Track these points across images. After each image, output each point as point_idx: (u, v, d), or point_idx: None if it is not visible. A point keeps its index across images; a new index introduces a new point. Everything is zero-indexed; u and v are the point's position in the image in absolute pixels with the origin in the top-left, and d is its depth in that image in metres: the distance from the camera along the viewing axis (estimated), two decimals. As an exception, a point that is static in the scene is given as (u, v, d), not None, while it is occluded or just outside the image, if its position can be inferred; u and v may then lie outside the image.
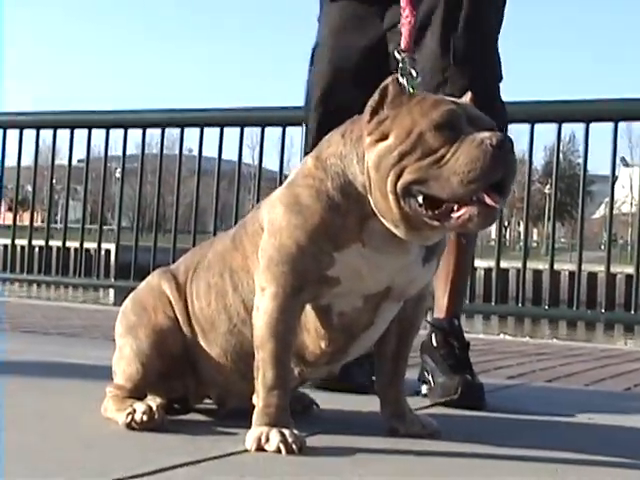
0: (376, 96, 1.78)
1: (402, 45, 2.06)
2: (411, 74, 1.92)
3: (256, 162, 5.93)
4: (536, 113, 4.89)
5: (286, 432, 1.77)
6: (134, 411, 1.94)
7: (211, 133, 5.78)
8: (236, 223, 5.89)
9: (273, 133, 5.78)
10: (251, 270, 1.93)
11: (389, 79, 1.80)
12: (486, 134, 1.67)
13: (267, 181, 5.72)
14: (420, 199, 1.69)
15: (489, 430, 2.24)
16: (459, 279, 2.66)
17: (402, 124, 1.73)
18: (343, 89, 2.69)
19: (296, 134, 5.18)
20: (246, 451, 1.82)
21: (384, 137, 1.74)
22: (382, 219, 1.78)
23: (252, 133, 5.96)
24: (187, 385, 2.11)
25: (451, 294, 2.62)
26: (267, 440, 1.76)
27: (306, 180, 1.87)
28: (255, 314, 1.87)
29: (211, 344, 2.01)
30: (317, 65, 2.82)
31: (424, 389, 2.52)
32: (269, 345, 1.83)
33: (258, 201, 5.42)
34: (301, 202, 1.85)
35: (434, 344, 2.56)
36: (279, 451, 1.74)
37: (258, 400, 1.84)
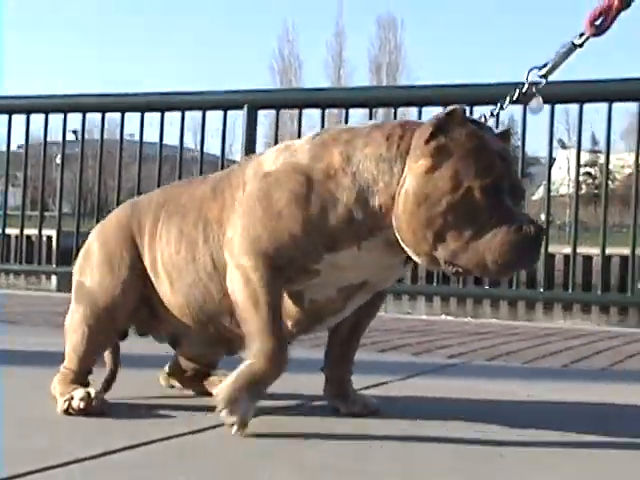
0: (440, 119, 1.73)
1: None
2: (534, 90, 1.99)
3: (198, 146, 5.97)
4: (473, 94, 5.00)
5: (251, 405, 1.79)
6: (72, 398, 1.96)
7: (153, 118, 5.70)
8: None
9: (215, 116, 5.76)
10: (224, 224, 1.92)
11: (456, 106, 1.76)
12: (525, 219, 1.70)
13: (209, 164, 5.65)
14: (444, 256, 1.72)
15: (428, 410, 2.24)
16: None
17: (456, 168, 1.70)
18: None
19: (238, 117, 5.44)
20: (185, 434, 1.86)
21: (435, 168, 1.71)
22: (402, 242, 1.77)
23: (195, 117, 5.99)
24: (142, 320, 2.12)
25: None
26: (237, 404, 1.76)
27: (325, 172, 1.82)
28: (229, 283, 1.86)
29: (176, 292, 2.02)
30: None
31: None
32: (261, 313, 1.80)
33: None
34: (311, 196, 1.80)
35: None
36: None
37: (256, 368, 1.79)
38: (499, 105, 2.04)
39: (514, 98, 2.01)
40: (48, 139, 6.09)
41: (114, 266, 2.10)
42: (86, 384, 2.10)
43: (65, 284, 6.43)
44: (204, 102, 5.75)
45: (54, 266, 6.44)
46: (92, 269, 2.13)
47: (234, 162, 5.62)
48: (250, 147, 5.16)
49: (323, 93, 6.00)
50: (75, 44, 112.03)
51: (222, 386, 1.82)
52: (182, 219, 2.01)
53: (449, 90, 5.10)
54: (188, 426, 1.95)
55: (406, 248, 1.78)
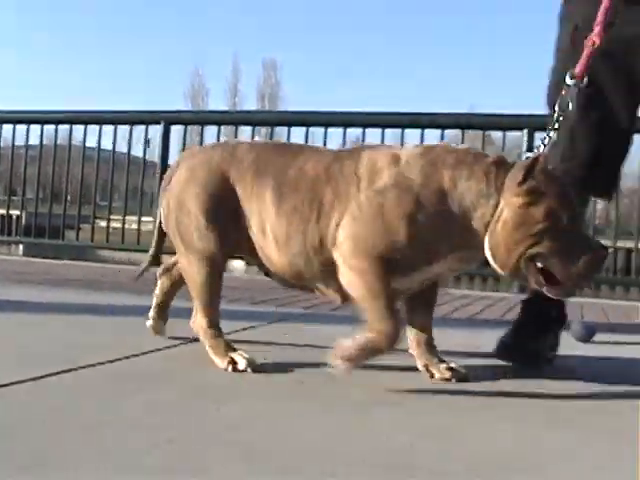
0: (528, 166, 1.95)
1: (576, 69, 2.23)
2: (568, 105, 2.19)
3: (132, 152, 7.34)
4: (327, 119, 6.27)
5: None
6: (235, 362, 2.20)
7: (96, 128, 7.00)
8: (111, 196, 7.28)
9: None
10: (334, 214, 2.04)
11: (539, 154, 2.01)
12: (597, 243, 2.05)
13: (135, 165, 7.25)
14: (538, 266, 1.96)
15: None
16: None
17: (549, 204, 1.94)
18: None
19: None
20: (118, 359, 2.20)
21: (529, 204, 1.94)
22: (491, 259, 2.00)
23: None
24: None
25: None
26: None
27: (437, 194, 1.98)
28: (347, 284, 2.04)
29: (281, 253, 2.14)
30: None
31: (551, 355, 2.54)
32: (380, 302, 1.98)
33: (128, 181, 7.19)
34: (423, 216, 1.97)
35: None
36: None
37: (376, 341, 1.97)
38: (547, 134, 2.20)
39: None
40: (16, 143, 7.31)
41: (214, 213, 2.19)
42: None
43: (28, 251, 7.71)
44: (131, 118, 7.08)
45: (20, 237, 8.07)
46: (191, 217, 2.20)
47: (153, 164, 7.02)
48: (164, 153, 6.58)
49: (221, 115, 7.73)
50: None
51: (343, 343, 1.96)
52: (295, 195, 2.10)
53: (310, 115, 6.38)
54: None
55: (492, 261, 2.00)
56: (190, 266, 2.24)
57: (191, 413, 1.74)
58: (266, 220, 2.15)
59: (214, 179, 2.21)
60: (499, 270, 2.02)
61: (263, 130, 7.16)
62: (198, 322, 2.27)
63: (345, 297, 2.13)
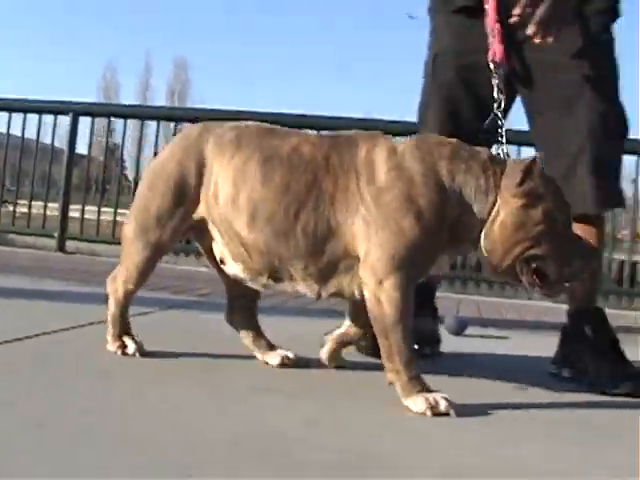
0: (527, 167, 1.93)
1: (496, 56, 2.30)
2: (501, 89, 2.25)
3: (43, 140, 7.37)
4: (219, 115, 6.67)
5: (443, 396, 1.86)
6: (125, 346, 2.20)
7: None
8: (19, 181, 7.31)
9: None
10: (336, 204, 1.95)
11: (537, 156, 1.99)
12: (587, 245, 2.04)
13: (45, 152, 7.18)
14: (532, 267, 1.94)
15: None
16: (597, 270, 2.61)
17: (547, 206, 1.93)
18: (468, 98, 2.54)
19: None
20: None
21: (528, 205, 1.93)
22: (485, 257, 1.97)
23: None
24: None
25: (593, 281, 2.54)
26: (437, 404, 1.84)
27: (438, 187, 1.94)
28: (374, 301, 1.90)
29: (255, 229, 2.01)
30: (440, 75, 2.60)
31: (565, 372, 2.45)
32: (400, 328, 1.88)
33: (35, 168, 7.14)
34: (421, 205, 1.91)
35: (587, 333, 2.43)
36: (447, 414, 1.83)
37: (400, 377, 1.89)
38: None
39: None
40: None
41: (180, 194, 2.10)
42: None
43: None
44: (41, 107, 7.10)
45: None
46: (156, 194, 2.13)
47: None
48: (72, 142, 6.71)
49: (130, 108, 7.75)
50: None
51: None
52: (288, 172, 1.99)
53: (218, 113, 6.29)
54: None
55: (487, 261, 1.98)
56: (135, 238, 2.14)
57: (65, 396, 1.72)
58: (242, 191, 2.03)
59: (190, 155, 2.12)
60: (491, 269, 2.00)
61: (172, 125, 7.25)
62: (114, 284, 2.20)
63: (320, 294, 2.05)
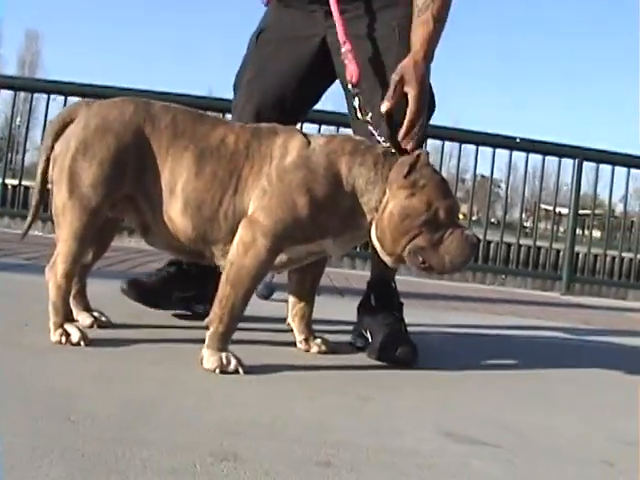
0: (413, 161, 2.05)
1: (352, 78, 2.34)
2: (365, 110, 2.29)
3: None
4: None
5: (236, 357, 2.00)
6: (68, 335, 2.09)
7: None
8: None
9: None
10: (248, 187, 2.08)
11: (422, 151, 2.11)
12: (468, 232, 2.10)
13: None
14: (420, 258, 2.06)
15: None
16: None
17: (429, 196, 2.05)
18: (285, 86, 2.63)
19: None
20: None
21: (413, 195, 2.04)
22: (378, 246, 2.11)
23: None
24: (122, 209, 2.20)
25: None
26: (228, 363, 1.97)
27: (335, 178, 2.08)
28: (241, 251, 2.01)
29: (186, 214, 2.11)
30: (260, 49, 2.72)
31: (359, 342, 2.53)
32: (247, 285, 2.01)
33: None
34: (324, 196, 2.05)
35: (373, 304, 2.58)
36: (237, 372, 1.96)
37: (218, 326, 2.00)
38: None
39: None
40: None
41: (119, 165, 2.11)
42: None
43: None
44: None
45: None
46: (93, 163, 2.09)
47: None
48: None
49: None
50: None
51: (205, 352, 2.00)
52: (217, 163, 2.10)
53: (57, 84, 6.58)
54: None
55: (380, 249, 2.11)
56: (71, 210, 2.07)
57: None
58: (179, 181, 2.09)
59: (128, 131, 2.11)
60: (385, 257, 2.12)
61: (22, 95, 7.07)
62: (53, 269, 2.11)
63: None
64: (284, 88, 2.57)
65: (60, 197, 2.08)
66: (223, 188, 2.09)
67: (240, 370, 1.96)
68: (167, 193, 2.11)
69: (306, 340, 2.39)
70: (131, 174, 2.11)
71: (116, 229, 2.43)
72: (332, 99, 3.05)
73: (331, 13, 2.49)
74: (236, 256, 2.01)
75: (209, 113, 2.36)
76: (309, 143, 2.13)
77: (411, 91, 2.23)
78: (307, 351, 2.37)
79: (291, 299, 2.41)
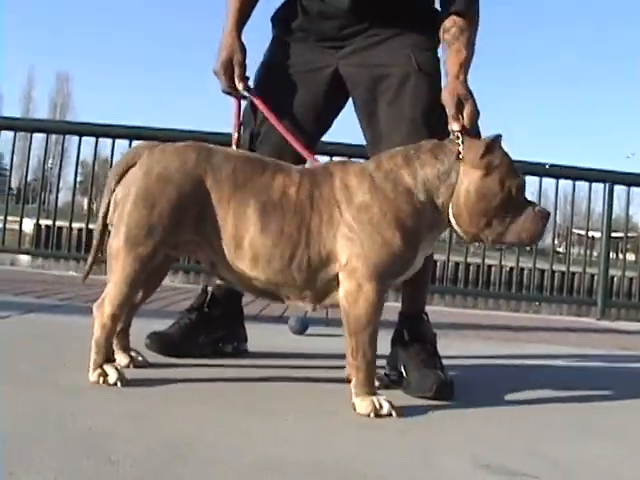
0: (489, 143, 2.12)
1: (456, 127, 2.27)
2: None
3: None
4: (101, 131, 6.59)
5: (387, 400, 2.06)
6: (106, 375, 2.10)
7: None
8: None
9: None
10: (324, 237, 2.10)
11: (499, 134, 2.17)
12: (541, 209, 2.18)
13: None
14: (496, 235, 2.14)
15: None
16: (426, 276, 2.64)
17: (502, 175, 2.12)
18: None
19: None
20: None
21: (488, 175, 2.10)
22: (455, 225, 2.16)
23: None
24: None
25: (420, 289, 2.65)
26: (380, 407, 2.03)
27: (409, 195, 2.13)
28: (351, 301, 2.06)
29: (258, 270, 2.14)
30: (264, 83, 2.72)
31: (392, 375, 2.50)
32: (369, 330, 2.06)
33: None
34: (408, 219, 2.10)
35: (406, 338, 2.55)
36: (390, 415, 2.02)
37: (358, 374, 2.06)
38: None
39: None
40: None
41: (179, 214, 2.12)
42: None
43: None
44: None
45: None
46: (153, 212, 2.11)
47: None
48: None
49: (13, 121, 7.36)
50: None
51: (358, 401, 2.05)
52: (282, 217, 2.11)
53: (89, 126, 6.67)
54: None
55: (459, 230, 2.16)
56: (125, 256, 2.09)
57: None
58: (245, 236, 2.11)
59: (189, 181, 2.12)
60: (463, 235, 2.18)
61: (54, 137, 7.21)
62: (101, 308, 2.12)
63: (315, 305, 2.21)
64: (303, 120, 2.61)
65: (117, 241, 2.11)
66: (293, 243, 2.11)
67: (393, 413, 2.02)
68: (232, 246, 2.13)
69: None
70: (191, 222, 2.13)
71: (166, 271, 2.45)
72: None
73: (341, 45, 2.60)
74: (348, 308, 2.06)
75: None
76: (363, 171, 2.15)
77: (468, 107, 2.31)
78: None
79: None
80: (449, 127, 2.25)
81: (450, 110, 2.28)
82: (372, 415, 1.99)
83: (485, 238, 2.16)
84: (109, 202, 2.17)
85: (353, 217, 2.08)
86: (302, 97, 2.64)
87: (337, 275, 2.10)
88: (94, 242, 2.24)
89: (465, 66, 2.43)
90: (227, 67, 2.58)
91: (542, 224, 2.17)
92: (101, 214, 2.19)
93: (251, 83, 2.67)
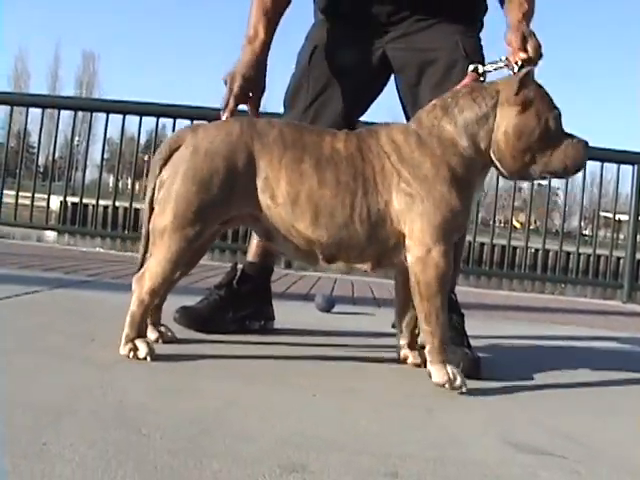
0: (522, 78, 2.12)
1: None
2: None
3: None
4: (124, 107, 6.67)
5: (460, 374, 2.10)
6: (137, 349, 2.09)
7: None
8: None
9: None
10: (380, 187, 2.11)
11: (530, 68, 2.19)
12: (579, 138, 2.19)
13: None
14: (541, 168, 2.16)
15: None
16: (457, 257, 2.58)
17: (538, 109, 2.13)
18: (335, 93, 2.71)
19: None
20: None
21: (525, 110, 2.11)
22: (499, 164, 2.16)
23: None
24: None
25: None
26: (455, 379, 2.06)
27: (453, 144, 2.15)
28: (422, 267, 2.07)
29: (318, 225, 2.13)
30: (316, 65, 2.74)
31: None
32: (441, 295, 2.07)
33: None
34: (459, 168, 2.12)
35: None
36: (461, 387, 2.06)
37: (434, 340, 2.07)
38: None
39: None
40: None
41: (229, 188, 2.11)
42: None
43: None
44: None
45: None
46: (202, 189, 2.09)
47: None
48: None
49: (42, 98, 7.60)
50: None
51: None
52: (336, 169, 2.11)
53: (116, 104, 6.76)
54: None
55: (503, 170, 2.17)
56: (171, 235, 2.08)
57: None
58: (302, 191, 2.10)
59: (237, 149, 2.12)
60: (506, 173, 2.19)
61: (80, 114, 7.27)
62: (141, 282, 2.11)
63: (374, 266, 2.20)
64: (351, 106, 2.67)
65: (163, 219, 2.09)
66: (351, 192, 2.11)
67: (464, 388, 2.05)
68: (289, 205, 2.12)
69: (409, 346, 2.41)
70: (242, 192, 2.12)
71: (206, 249, 2.44)
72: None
73: (388, 30, 2.66)
74: (419, 274, 2.07)
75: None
76: (407, 129, 2.18)
77: (532, 41, 2.32)
78: (404, 361, 2.41)
79: (398, 302, 2.41)
80: (513, 59, 2.28)
81: (515, 43, 2.30)
82: (447, 386, 2.03)
83: (532, 173, 2.18)
84: (154, 187, 2.15)
85: (410, 174, 2.10)
86: (348, 85, 2.69)
87: (398, 233, 2.11)
88: (142, 230, 2.22)
89: (527, 17, 2.45)
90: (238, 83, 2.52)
91: (584, 151, 2.18)
92: (147, 199, 2.17)
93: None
